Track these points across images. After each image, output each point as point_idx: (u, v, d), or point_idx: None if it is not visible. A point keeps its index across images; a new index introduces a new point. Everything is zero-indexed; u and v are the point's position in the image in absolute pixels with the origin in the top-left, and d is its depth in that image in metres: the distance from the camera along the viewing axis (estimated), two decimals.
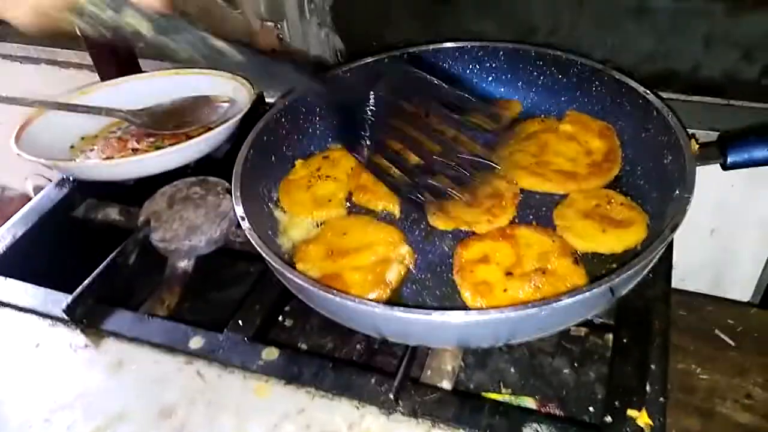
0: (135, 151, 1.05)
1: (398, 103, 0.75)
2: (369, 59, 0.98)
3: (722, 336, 0.93)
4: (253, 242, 0.69)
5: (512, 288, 0.70)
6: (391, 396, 0.64)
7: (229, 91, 1.12)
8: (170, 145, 1.04)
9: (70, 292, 0.82)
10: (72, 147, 1.08)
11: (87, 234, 1.03)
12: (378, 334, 0.65)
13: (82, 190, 1.04)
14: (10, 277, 0.88)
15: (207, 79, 1.16)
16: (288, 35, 1.19)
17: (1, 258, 0.93)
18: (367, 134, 0.75)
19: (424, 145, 0.74)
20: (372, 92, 0.74)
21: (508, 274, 0.72)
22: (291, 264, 0.78)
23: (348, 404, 0.66)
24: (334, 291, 0.61)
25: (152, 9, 0.61)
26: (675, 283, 0.82)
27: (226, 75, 1.14)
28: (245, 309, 0.79)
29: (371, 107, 0.74)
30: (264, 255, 0.67)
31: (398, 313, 0.59)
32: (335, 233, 0.80)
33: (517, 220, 0.81)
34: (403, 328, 0.63)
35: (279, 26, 1.17)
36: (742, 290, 1.15)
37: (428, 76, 0.75)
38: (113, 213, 1.03)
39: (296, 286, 0.65)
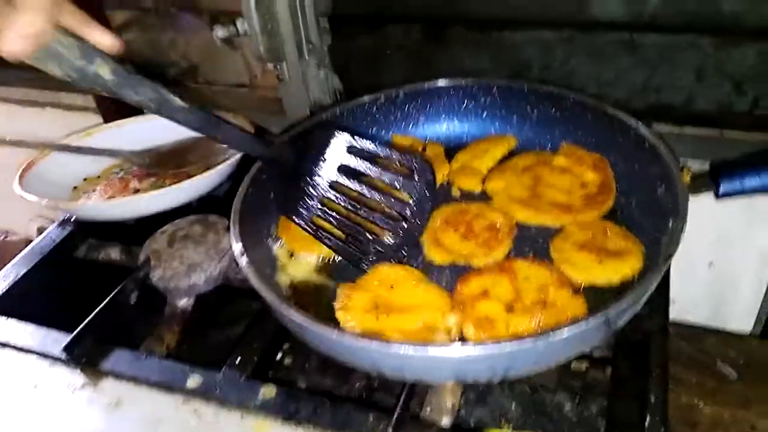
0: (137, 191, 1.07)
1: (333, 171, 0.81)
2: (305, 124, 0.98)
3: (724, 368, 0.93)
4: (249, 278, 0.69)
5: (513, 323, 0.69)
6: (391, 430, 0.64)
7: None
8: (171, 184, 1.06)
9: (71, 332, 0.82)
10: (75, 188, 1.10)
11: (88, 274, 1.04)
12: (375, 370, 0.65)
13: (83, 230, 1.06)
14: (12, 316, 0.89)
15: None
16: (287, 76, 1.21)
17: (2, 298, 0.93)
18: (306, 200, 0.81)
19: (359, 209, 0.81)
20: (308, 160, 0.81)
21: (509, 309, 0.72)
22: (290, 301, 0.79)
23: None
24: (331, 327, 0.61)
25: (109, 50, 0.64)
26: (675, 315, 0.81)
27: (228, 115, 1.16)
28: (243, 347, 0.79)
29: (309, 175, 0.80)
30: (260, 291, 0.68)
31: (395, 348, 0.59)
32: (382, 284, 0.77)
33: (513, 253, 0.82)
34: (399, 363, 0.63)
35: (278, 67, 1.19)
36: (743, 321, 1.14)
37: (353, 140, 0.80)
38: (114, 252, 1.04)
39: (292, 323, 0.65)
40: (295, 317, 0.63)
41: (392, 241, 0.81)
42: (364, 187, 0.80)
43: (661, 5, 0.97)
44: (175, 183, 1.04)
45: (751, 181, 0.70)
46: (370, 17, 1.19)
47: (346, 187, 0.81)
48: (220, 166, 1.00)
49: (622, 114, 0.85)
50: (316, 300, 0.80)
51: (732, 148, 1.01)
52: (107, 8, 1.40)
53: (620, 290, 0.74)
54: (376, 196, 0.80)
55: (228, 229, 0.96)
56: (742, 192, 0.71)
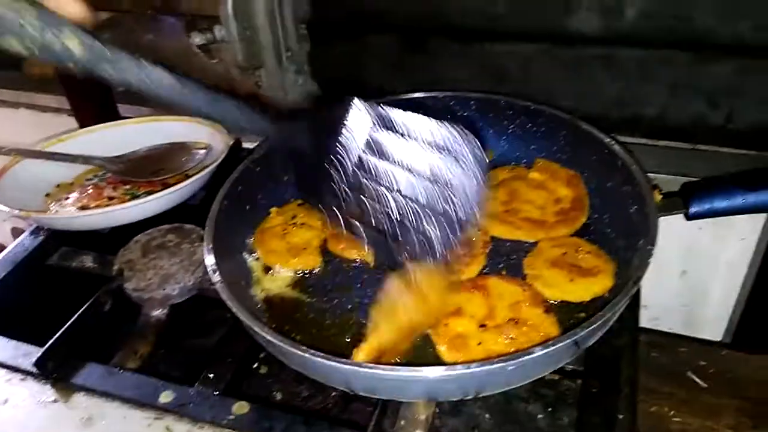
0: (111, 199, 1.06)
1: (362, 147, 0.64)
2: None
3: (695, 378, 0.94)
4: (223, 297, 0.69)
5: (486, 341, 0.70)
6: None
7: (205, 137, 1.14)
8: (146, 192, 1.05)
9: (44, 342, 0.81)
10: (47, 195, 1.09)
11: (61, 282, 1.03)
12: (349, 389, 0.65)
13: (56, 238, 1.04)
14: None
15: (183, 125, 1.17)
16: (266, 82, 1.20)
17: None
18: (334, 185, 0.63)
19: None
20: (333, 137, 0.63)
21: (482, 326, 0.73)
22: (264, 315, 0.79)
23: None
24: (303, 348, 0.61)
25: (78, 20, 0.54)
26: (648, 323, 0.83)
27: (203, 122, 1.15)
28: (216, 362, 0.79)
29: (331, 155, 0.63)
30: (233, 309, 0.68)
31: (366, 369, 0.59)
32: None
33: (487, 269, 0.82)
34: (372, 383, 0.63)
35: (257, 74, 1.19)
36: (714, 330, 1.16)
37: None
38: (88, 261, 1.03)
39: (265, 341, 0.65)
40: (271, 338, 0.63)
41: (438, 233, 0.62)
42: (396, 166, 0.63)
43: (638, 20, 0.98)
44: (149, 191, 1.03)
45: (720, 203, 0.71)
46: (350, 25, 1.18)
47: (375, 167, 0.64)
48: (196, 176, 0.99)
49: (596, 131, 0.86)
50: (292, 315, 0.80)
51: (705, 162, 1.04)
52: None
53: (591, 303, 0.76)
54: (413, 178, 0.63)
55: (203, 239, 0.97)
56: (711, 214, 0.72)
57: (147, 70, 0.57)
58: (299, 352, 0.61)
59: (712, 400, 0.91)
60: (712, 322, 1.16)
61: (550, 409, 0.82)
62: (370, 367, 0.59)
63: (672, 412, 0.90)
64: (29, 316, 0.93)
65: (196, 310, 0.97)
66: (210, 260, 0.74)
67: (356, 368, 0.60)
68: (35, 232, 1.05)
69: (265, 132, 0.66)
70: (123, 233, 0.99)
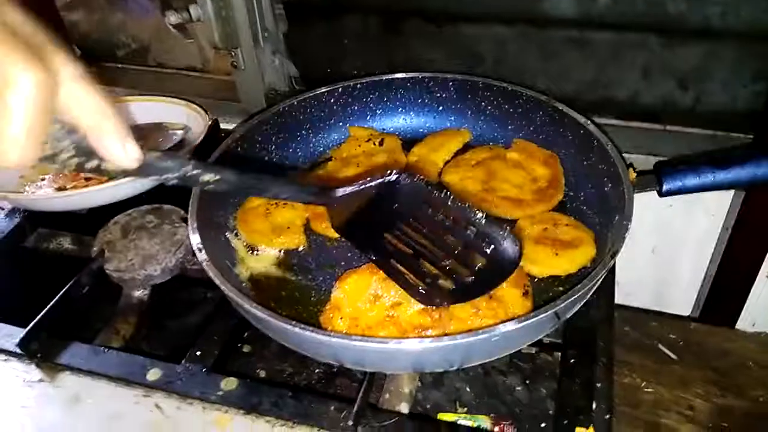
0: (88, 179, 1.05)
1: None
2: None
3: (665, 350, 0.98)
4: (211, 275, 0.70)
5: (454, 307, 0.71)
6: (351, 423, 0.66)
7: (183, 118, 1.13)
8: None
9: (23, 325, 0.81)
10: (22, 176, 1.07)
11: (38, 264, 1.02)
12: (336, 362, 0.67)
13: (32, 219, 1.03)
14: None
15: (161, 106, 1.16)
16: (242, 62, 1.20)
17: None
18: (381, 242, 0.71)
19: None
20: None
21: None
22: (250, 293, 0.80)
23: (309, 430, 0.68)
24: (293, 322, 0.62)
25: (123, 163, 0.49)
26: (620, 299, 0.86)
27: (181, 102, 1.15)
28: (203, 339, 0.79)
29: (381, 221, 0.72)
30: (222, 287, 0.68)
31: (355, 342, 0.61)
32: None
33: None
34: (359, 356, 0.65)
35: (233, 54, 1.18)
36: (683, 305, 1.21)
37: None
38: (66, 242, 1.02)
39: (255, 317, 0.66)
40: (260, 314, 0.64)
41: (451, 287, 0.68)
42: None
43: (611, 4, 1.00)
44: None
45: (691, 181, 0.74)
46: (327, 5, 1.18)
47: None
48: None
49: (572, 112, 0.88)
50: (277, 293, 0.81)
51: (675, 142, 1.07)
52: None
53: (569, 278, 0.78)
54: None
55: (183, 219, 0.98)
56: (683, 191, 0.75)
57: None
58: (290, 327, 0.62)
59: (682, 371, 0.95)
60: (682, 297, 1.20)
61: (527, 382, 0.85)
62: (359, 340, 0.61)
63: (644, 383, 0.94)
64: (7, 298, 0.93)
65: (177, 289, 0.97)
66: (195, 239, 0.75)
67: (345, 341, 0.61)
68: (10, 214, 1.04)
69: (330, 203, 0.73)
70: (100, 214, 0.99)
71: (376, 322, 0.72)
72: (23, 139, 0.41)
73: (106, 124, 0.46)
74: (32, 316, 0.83)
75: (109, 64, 1.46)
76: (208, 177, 0.58)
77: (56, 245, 1.02)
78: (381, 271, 0.74)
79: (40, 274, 1.01)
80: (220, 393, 0.72)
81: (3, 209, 1.04)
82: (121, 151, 0.48)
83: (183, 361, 0.76)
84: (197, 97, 1.19)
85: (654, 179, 0.77)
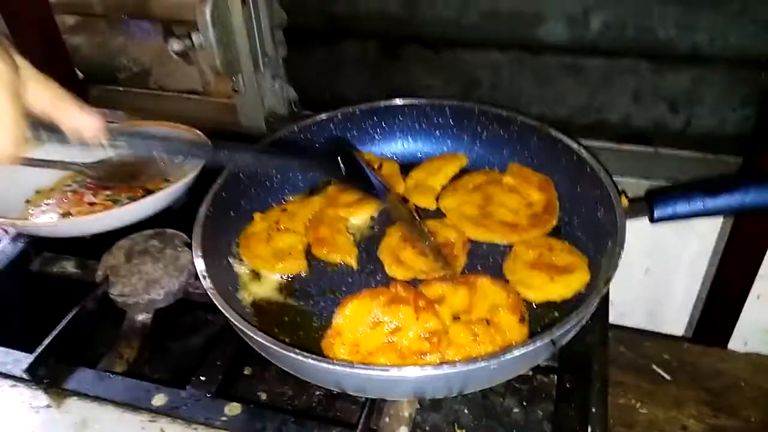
0: (92, 205, 1.07)
1: None
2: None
3: (659, 371, 1.00)
4: (216, 303, 0.72)
5: (452, 331, 0.74)
6: None
7: None
8: (127, 197, 1.06)
9: (28, 348, 0.83)
10: (27, 201, 1.09)
11: (42, 287, 1.03)
12: (339, 389, 0.69)
13: (37, 243, 1.05)
14: None
15: (162, 130, 1.17)
16: (243, 87, 1.22)
17: None
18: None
19: None
20: None
21: (456, 318, 0.77)
22: (253, 318, 0.81)
23: None
24: (296, 350, 0.64)
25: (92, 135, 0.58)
26: (614, 319, 0.88)
27: (182, 126, 1.16)
28: (207, 364, 0.81)
29: None
30: (227, 314, 0.70)
31: (357, 370, 0.63)
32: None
33: (467, 269, 0.86)
34: (361, 383, 0.66)
35: (234, 79, 1.21)
36: (676, 325, 1.23)
37: None
38: (69, 266, 1.03)
39: (259, 345, 0.68)
40: (265, 342, 0.65)
41: None
42: None
43: (602, 31, 1.03)
44: (130, 196, 1.05)
45: (682, 208, 0.76)
46: (326, 31, 1.21)
47: None
48: (180, 182, 1.00)
49: (565, 138, 0.90)
50: (279, 318, 0.82)
51: (666, 165, 1.10)
52: (56, 12, 1.38)
53: (564, 303, 0.80)
54: None
55: (185, 244, 0.99)
56: (673, 217, 0.77)
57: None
58: (294, 356, 0.64)
59: (676, 392, 0.97)
60: (675, 317, 1.22)
61: (525, 403, 0.86)
62: (361, 368, 0.62)
63: (638, 404, 0.95)
64: (14, 322, 0.94)
65: (179, 312, 0.99)
66: (200, 266, 0.76)
67: (348, 369, 0.63)
68: (16, 238, 1.05)
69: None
70: (103, 238, 1.00)
71: (376, 347, 0.73)
72: (9, 125, 0.49)
73: (66, 103, 0.55)
74: (37, 339, 0.84)
75: (111, 87, 1.48)
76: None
77: (60, 269, 1.03)
78: (381, 297, 0.76)
79: (44, 298, 1.02)
80: (225, 419, 0.73)
81: (8, 233, 1.06)
82: (84, 120, 0.56)
83: (188, 387, 0.78)
84: (197, 120, 1.21)
85: (645, 206, 0.79)
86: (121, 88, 1.48)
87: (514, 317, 0.75)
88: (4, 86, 0.49)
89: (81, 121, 0.56)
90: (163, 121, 1.19)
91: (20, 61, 0.53)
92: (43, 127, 0.55)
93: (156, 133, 0.65)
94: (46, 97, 0.55)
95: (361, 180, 0.85)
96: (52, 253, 1.05)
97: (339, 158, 0.84)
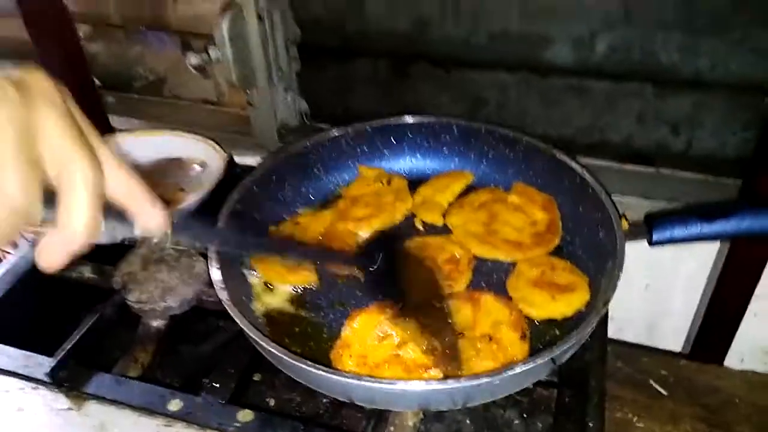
0: None
1: None
2: None
3: (656, 386, 1.03)
4: (231, 314, 0.75)
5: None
6: None
7: (200, 153, 1.18)
8: None
9: (48, 351, 0.86)
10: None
11: (58, 292, 1.07)
12: (348, 398, 0.72)
13: None
14: None
15: (178, 140, 1.21)
16: (257, 100, 1.26)
17: None
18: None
19: None
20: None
21: (459, 334, 0.80)
22: (265, 329, 0.85)
23: None
24: (307, 362, 0.67)
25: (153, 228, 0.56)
26: (613, 333, 0.91)
27: (198, 138, 1.20)
28: (220, 372, 0.84)
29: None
30: (242, 326, 0.73)
31: (365, 383, 0.66)
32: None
33: (471, 285, 0.89)
34: (369, 394, 0.70)
35: (248, 92, 1.24)
36: (674, 340, 1.25)
37: None
38: (86, 271, 1.06)
39: (271, 355, 0.71)
40: (278, 353, 0.69)
41: None
42: None
43: (608, 55, 1.06)
44: None
45: (680, 232, 0.79)
46: (339, 49, 1.24)
47: None
48: (200, 191, 1.04)
49: (569, 160, 0.93)
50: (290, 329, 0.85)
51: (667, 185, 1.13)
52: (74, 21, 1.41)
53: (565, 321, 0.83)
54: None
55: (201, 254, 1.03)
56: (671, 241, 0.80)
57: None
58: (305, 367, 0.67)
59: (672, 407, 1.00)
60: (673, 334, 1.24)
61: (525, 416, 0.89)
62: (369, 381, 0.66)
63: (635, 418, 0.98)
64: (32, 325, 0.98)
65: (192, 319, 1.02)
66: (217, 277, 0.80)
67: (356, 381, 0.67)
68: (36, 243, 1.09)
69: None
70: (119, 244, 1.03)
71: (383, 360, 0.77)
72: (88, 223, 0.47)
73: (144, 195, 0.53)
74: (55, 342, 0.88)
75: (126, 95, 1.51)
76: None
77: (78, 274, 1.07)
78: (388, 311, 0.79)
79: (60, 301, 1.05)
80: (237, 425, 0.77)
81: (28, 240, 1.09)
82: (156, 215, 0.55)
83: (202, 393, 0.81)
84: (211, 130, 1.24)
85: (645, 229, 0.82)
86: (136, 96, 1.51)
87: (515, 334, 0.78)
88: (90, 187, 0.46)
89: (153, 216, 0.54)
90: (179, 131, 1.23)
91: (103, 147, 0.50)
92: (112, 217, 0.53)
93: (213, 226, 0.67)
94: (126, 186, 0.52)
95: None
96: None
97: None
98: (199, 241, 0.65)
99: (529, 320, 0.84)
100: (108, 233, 0.52)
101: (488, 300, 0.83)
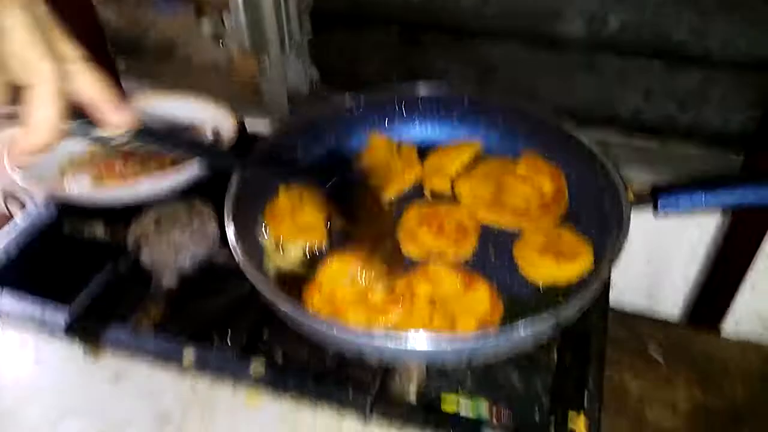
0: (123, 174, 1.12)
1: None
2: None
3: (653, 352, 1.06)
4: (245, 271, 0.77)
5: (416, 308, 0.81)
6: (368, 406, 0.74)
7: (212, 118, 1.20)
8: (156, 167, 1.12)
9: (60, 303, 0.89)
10: (61, 170, 1.14)
11: (69, 249, 1.09)
12: (359, 355, 0.75)
13: (67, 208, 1.10)
14: (5, 291, 0.93)
15: (190, 106, 1.23)
16: (268, 67, 1.27)
17: None
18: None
19: None
20: None
21: (432, 302, 0.82)
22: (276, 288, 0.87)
23: (329, 412, 0.76)
24: (322, 319, 0.70)
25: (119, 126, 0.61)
26: (613, 301, 0.92)
27: (210, 103, 1.22)
28: (232, 326, 0.87)
29: None
30: (257, 284, 0.76)
31: (378, 339, 0.69)
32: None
33: (478, 252, 0.92)
34: (380, 349, 0.72)
35: (260, 59, 1.25)
36: (673, 308, 1.28)
37: None
38: (99, 230, 1.09)
39: (285, 312, 0.74)
40: (292, 310, 0.71)
41: None
42: None
43: (620, 30, 1.07)
44: (159, 167, 1.10)
45: (685, 203, 0.82)
46: (350, 16, 1.25)
47: None
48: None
49: (577, 133, 0.95)
50: (301, 288, 0.88)
51: (673, 159, 1.15)
52: None
53: (569, 287, 0.86)
54: None
55: (212, 215, 1.05)
56: (676, 210, 0.82)
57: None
58: (320, 325, 0.70)
59: (668, 372, 1.02)
60: (671, 302, 1.28)
61: (524, 375, 0.92)
62: (382, 337, 0.69)
63: (632, 381, 1.01)
64: (48, 280, 1.00)
65: (202, 277, 1.04)
66: (232, 236, 0.82)
67: (370, 337, 0.69)
68: (49, 202, 1.11)
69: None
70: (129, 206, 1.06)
71: (349, 301, 0.81)
72: (49, 120, 0.53)
73: (105, 96, 0.58)
74: (70, 296, 0.91)
75: (137, 60, 1.52)
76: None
77: (89, 232, 1.09)
78: (362, 258, 0.85)
79: (74, 259, 1.08)
80: (250, 375, 0.80)
81: (36, 199, 1.11)
82: (121, 117, 0.59)
83: (215, 345, 0.84)
84: (221, 97, 1.26)
85: (650, 200, 0.84)
86: (147, 62, 1.52)
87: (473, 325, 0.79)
88: (49, 87, 0.52)
89: (117, 116, 0.59)
90: (191, 97, 1.24)
91: (71, 51, 0.56)
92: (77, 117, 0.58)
93: (173, 132, 0.69)
94: (93, 88, 0.57)
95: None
96: (80, 217, 1.10)
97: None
98: (160, 146, 0.68)
99: (534, 286, 0.86)
100: (76, 130, 0.58)
101: (484, 290, 0.83)
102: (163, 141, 0.68)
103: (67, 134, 0.57)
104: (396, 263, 0.87)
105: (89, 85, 0.56)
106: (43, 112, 0.52)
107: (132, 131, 0.61)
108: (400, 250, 0.90)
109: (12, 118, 0.54)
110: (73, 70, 0.55)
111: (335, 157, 0.98)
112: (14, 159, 0.56)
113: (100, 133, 0.60)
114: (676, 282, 1.27)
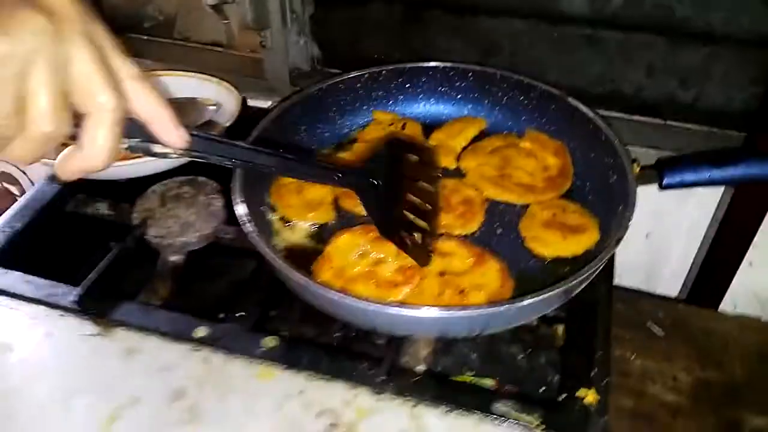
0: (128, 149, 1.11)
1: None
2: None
3: (653, 327, 1.07)
4: (256, 245, 0.77)
5: (428, 281, 0.82)
6: (381, 379, 0.75)
7: (214, 94, 1.19)
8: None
9: (70, 282, 0.89)
10: (64, 144, 1.13)
11: (74, 227, 1.09)
12: (371, 327, 0.76)
13: (71, 186, 1.10)
14: (12, 269, 0.93)
15: (193, 81, 1.22)
16: (270, 42, 1.27)
17: (3, 251, 0.98)
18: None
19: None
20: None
21: (442, 274, 0.83)
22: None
23: (343, 386, 0.76)
24: (335, 291, 0.71)
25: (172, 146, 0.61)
26: (615, 278, 0.95)
27: (213, 79, 1.21)
28: (243, 302, 0.88)
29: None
30: (269, 258, 0.76)
31: (390, 310, 0.70)
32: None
33: (484, 226, 0.93)
34: (393, 321, 0.73)
35: (262, 35, 1.25)
36: (671, 286, 1.30)
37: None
38: (103, 208, 1.09)
39: (297, 285, 0.74)
40: (305, 282, 0.72)
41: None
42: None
43: (622, 6, 1.07)
44: None
45: (690, 177, 0.83)
46: None
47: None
48: (214, 131, 1.05)
49: (582, 107, 0.96)
50: (309, 262, 0.88)
51: (674, 137, 1.16)
52: None
53: (575, 260, 0.87)
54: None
55: (216, 191, 1.05)
56: (681, 185, 0.84)
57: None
58: (334, 296, 0.71)
59: (668, 347, 1.04)
60: (671, 279, 1.29)
61: (529, 350, 0.94)
62: (395, 307, 0.70)
63: (633, 356, 1.03)
64: (55, 258, 1.00)
65: (208, 255, 1.05)
66: (241, 211, 0.82)
67: (382, 308, 0.70)
68: (52, 180, 1.11)
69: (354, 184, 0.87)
70: (134, 182, 1.06)
71: (358, 275, 0.82)
72: (107, 147, 0.53)
73: (162, 115, 0.58)
74: (77, 273, 0.91)
75: (136, 36, 1.51)
76: (261, 160, 0.73)
77: (94, 210, 1.09)
78: (371, 233, 0.87)
79: (79, 236, 1.08)
80: (263, 349, 0.80)
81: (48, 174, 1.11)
82: (178, 135, 0.59)
83: (227, 320, 0.85)
84: (222, 73, 1.25)
85: (655, 174, 0.85)
86: (145, 37, 1.51)
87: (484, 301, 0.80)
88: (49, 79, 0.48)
89: (175, 135, 0.59)
90: (193, 72, 1.23)
91: (128, 69, 0.54)
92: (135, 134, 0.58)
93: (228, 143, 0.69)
94: (151, 106, 0.57)
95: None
96: (85, 194, 1.10)
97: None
98: (215, 157, 0.67)
99: (540, 260, 0.87)
100: (134, 148, 0.58)
101: (493, 267, 0.84)
102: (221, 155, 0.68)
103: (124, 153, 0.57)
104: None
105: (146, 104, 0.56)
106: (102, 139, 0.52)
107: (190, 146, 0.61)
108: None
109: (74, 140, 0.53)
110: (130, 89, 0.54)
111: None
112: (66, 175, 0.56)
113: (158, 149, 0.60)
114: (675, 260, 1.29)
